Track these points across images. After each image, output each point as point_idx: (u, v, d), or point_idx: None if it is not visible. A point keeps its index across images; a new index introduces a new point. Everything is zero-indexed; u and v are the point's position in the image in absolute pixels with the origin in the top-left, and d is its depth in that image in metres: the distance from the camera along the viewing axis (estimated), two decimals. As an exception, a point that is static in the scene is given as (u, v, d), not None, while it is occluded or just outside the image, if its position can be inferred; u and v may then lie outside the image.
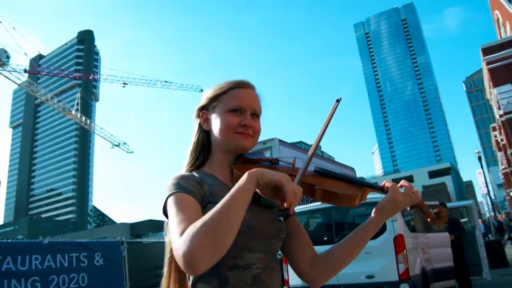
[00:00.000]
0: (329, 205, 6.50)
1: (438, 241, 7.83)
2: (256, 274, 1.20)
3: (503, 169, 53.74)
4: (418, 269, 6.28)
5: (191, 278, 1.23)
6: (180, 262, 0.97)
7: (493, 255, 11.81)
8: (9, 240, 8.10)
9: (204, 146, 1.38)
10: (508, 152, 42.62)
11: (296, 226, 1.40)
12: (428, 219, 1.36)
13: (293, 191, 1.04)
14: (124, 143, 74.19)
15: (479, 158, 30.07)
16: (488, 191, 34.08)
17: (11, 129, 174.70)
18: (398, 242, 5.92)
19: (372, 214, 1.31)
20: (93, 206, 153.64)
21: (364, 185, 1.34)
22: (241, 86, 1.34)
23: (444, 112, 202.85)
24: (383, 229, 6.07)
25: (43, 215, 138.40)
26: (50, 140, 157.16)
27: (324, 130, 1.36)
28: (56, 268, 7.89)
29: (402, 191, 1.29)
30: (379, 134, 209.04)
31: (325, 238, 6.62)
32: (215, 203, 1.17)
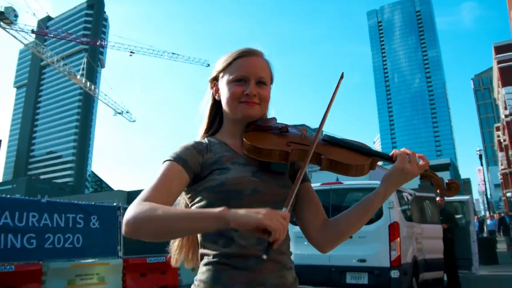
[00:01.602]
0: (327, 187, 6.54)
1: (432, 232, 7.90)
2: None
3: (502, 170, 53.80)
4: (410, 258, 6.35)
5: (199, 237, 1.29)
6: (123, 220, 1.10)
7: (484, 252, 11.95)
8: (8, 196, 8.18)
9: (216, 115, 1.43)
10: (510, 152, 42.58)
11: (308, 192, 1.40)
12: (438, 190, 1.33)
13: (278, 228, 0.99)
14: (127, 112, 74.19)
15: (480, 156, 30.08)
16: (486, 189, 34.19)
17: (15, 89, 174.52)
18: (393, 229, 5.97)
19: (380, 185, 1.31)
20: (92, 172, 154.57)
21: (372, 155, 1.32)
22: (246, 54, 1.35)
23: (450, 108, 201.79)
24: (379, 215, 6.11)
25: (42, 177, 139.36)
26: (53, 103, 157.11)
27: (330, 105, 1.35)
28: (52, 227, 7.98)
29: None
30: (382, 124, 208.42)
31: None
32: (222, 169, 1.25)
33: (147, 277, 9.08)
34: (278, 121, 1.43)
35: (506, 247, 15.87)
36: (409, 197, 7.40)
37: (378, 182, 1.31)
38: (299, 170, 1.23)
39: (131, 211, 1.08)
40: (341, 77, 1.38)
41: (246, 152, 1.29)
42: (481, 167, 37.71)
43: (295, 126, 1.43)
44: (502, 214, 17.56)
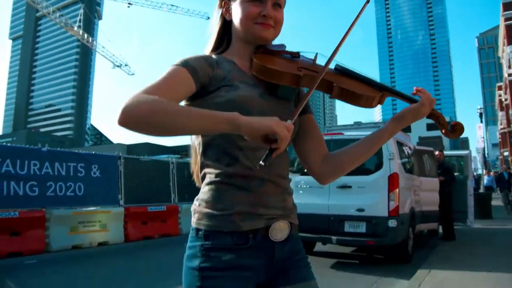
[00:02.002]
0: (328, 137, 6.52)
1: (429, 185, 7.99)
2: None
3: (501, 129, 53.94)
4: (407, 208, 6.44)
5: (204, 158, 1.25)
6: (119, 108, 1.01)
7: (479, 207, 12.17)
8: (9, 144, 8.18)
9: (224, 36, 1.37)
10: (510, 112, 42.50)
11: (312, 124, 1.38)
12: (443, 131, 1.35)
13: (285, 137, 1.01)
14: (125, 65, 73.23)
15: (481, 114, 30.03)
16: (485, 146, 34.42)
17: (11, 41, 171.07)
18: (393, 180, 6.01)
19: (389, 122, 1.31)
20: (91, 125, 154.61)
21: (383, 89, 1.31)
22: None
23: (452, 66, 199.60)
24: (379, 166, 6.14)
25: (41, 130, 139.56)
26: (50, 55, 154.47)
27: (348, 31, 1.28)
28: (54, 175, 8.05)
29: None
30: (383, 81, 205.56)
31: None
32: (231, 86, 1.21)
33: (148, 225, 9.27)
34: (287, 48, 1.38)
35: (502, 203, 16.07)
36: (409, 151, 7.42)
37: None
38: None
39: (131, 99, 1.00)
40: (367, 1, 1.32)
41: (255, 73, 1.24)
42: (481, 124, 37.73)
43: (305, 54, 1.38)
44: (500, 172, 17.64)
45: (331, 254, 7.22)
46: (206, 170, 1.24)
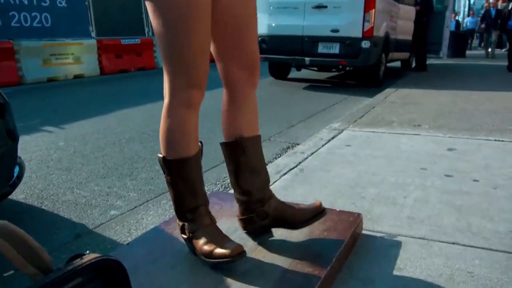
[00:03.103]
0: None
1: (406, 14, 7.86)
2: None
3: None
4: (382, 32, 6.42)
5: None
6: None
7: (454, 46, 12.26)
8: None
9: None
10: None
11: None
12: None
13: None
14: None
15: None
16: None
17: None
18: (369, 0, 5.86)
19: None
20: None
21: None
22: None
23: None
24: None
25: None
26: None
27: None
28: (15, 4, 7.59)
29: None
30: None
31: None
32: None
33: (123, 58, 9.15)
34: None
35: (483, 45, 15.62)
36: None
37: None
38: None
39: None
40: None
41: None
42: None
43: None
44: (486, 8, 16.62)
45: (305, 80, 7.39)
46: None
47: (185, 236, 1.26)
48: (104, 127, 3.87)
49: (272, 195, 1.39)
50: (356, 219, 1.53)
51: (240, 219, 1.39)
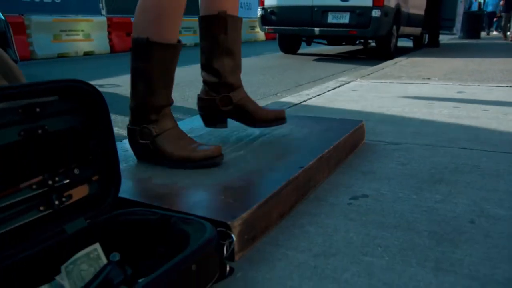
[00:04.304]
0: None
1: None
2: None
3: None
4: (393, 3, 6.29)
5: None
6: None
7: (471, 26, 11.98)
8: None
9: None
10: None
11: None
12: None
13: None
14: None
15: None
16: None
17: None
18: (380, -32, 5.74)
19: None
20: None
21: None
22: None
23: None
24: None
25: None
26: None
27: None
28: (26, -20, 7.62)
29: None
30: None
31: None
32: None
33: (133, 36, 9.13)
34: None
35: (501, 28, 14.97)
36: None
37: None
38: None
39: None
40: None
41: None
42: None
43: None
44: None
45: (315, 54, 7.31)
46: None
47: (144, 141, 1.12)
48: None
49: (241, 85, 1.32)
50: (357, 123, 1.50)
51: (201, 98, 1.31)
